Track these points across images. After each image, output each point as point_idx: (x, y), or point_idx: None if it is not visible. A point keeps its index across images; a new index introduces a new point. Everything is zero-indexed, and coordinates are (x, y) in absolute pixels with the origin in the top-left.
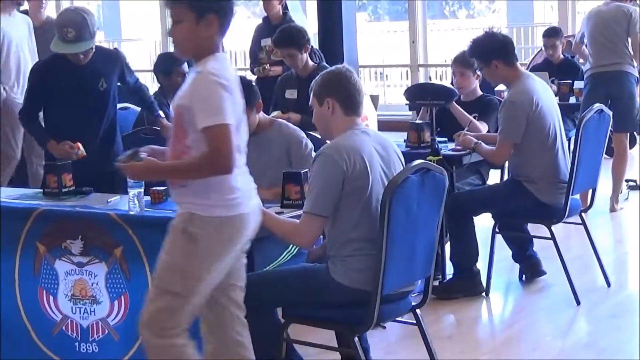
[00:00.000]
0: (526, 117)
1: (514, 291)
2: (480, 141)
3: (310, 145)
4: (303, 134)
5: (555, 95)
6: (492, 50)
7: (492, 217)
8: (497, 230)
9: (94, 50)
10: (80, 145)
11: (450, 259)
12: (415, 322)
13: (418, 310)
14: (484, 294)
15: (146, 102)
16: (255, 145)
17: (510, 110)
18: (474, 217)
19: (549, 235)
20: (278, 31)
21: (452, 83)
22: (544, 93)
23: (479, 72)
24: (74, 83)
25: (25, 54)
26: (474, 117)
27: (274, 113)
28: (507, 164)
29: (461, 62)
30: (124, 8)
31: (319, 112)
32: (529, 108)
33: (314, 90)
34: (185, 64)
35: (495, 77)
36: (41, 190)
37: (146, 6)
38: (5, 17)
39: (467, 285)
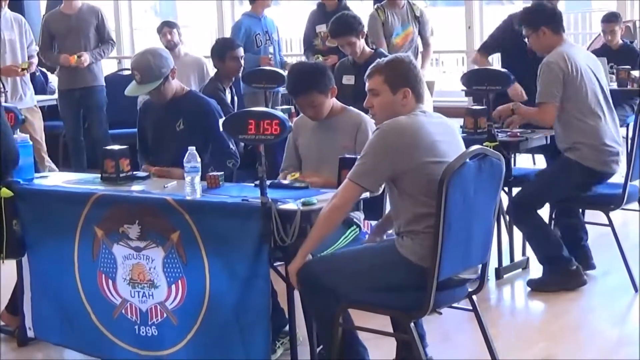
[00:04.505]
0: (563, 78)
1: None
2: (518, 103)
3: None
4: (372, 126)
5: (614, 81)
6: (542, 17)
7: (549, 204)
8: (553, 217)
9: (165, 89)
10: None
11: (538, 260)
12: (471, 308)
13: (474, 297)
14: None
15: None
16: (324, 129)
17: (548, 72)
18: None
19: (607, 222)
20: (333, 21)
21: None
22: (585, 59)
23: None
24: (156, 120)
25: (17, 53)
26: None
27: None
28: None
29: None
30: None
31: (389, 99)
32: (566, 69)
33: (386, 77)
34: (241, 49)
35: (541, 45)
36: (99, 175)
37: None
38: None
39: (563, 278)
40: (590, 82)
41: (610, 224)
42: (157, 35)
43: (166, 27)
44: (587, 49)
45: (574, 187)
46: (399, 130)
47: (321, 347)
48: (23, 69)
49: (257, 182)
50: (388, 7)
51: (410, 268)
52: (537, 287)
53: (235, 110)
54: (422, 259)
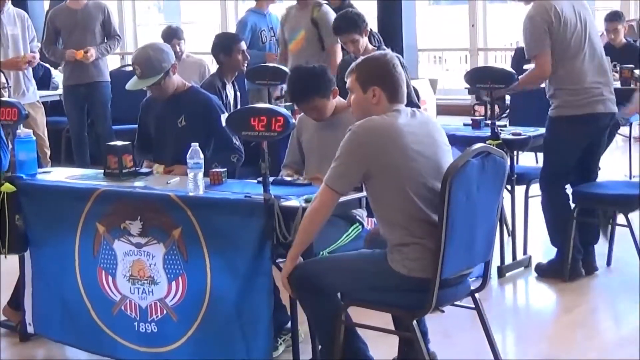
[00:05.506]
0: (548, 27)
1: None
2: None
3: None
4: None
5: (617, 80)
6: None
7: (573, 200)
8: (574, 215)
9: (165, 84)
10: (155, 165)
11: (552, 243)
12: (474, 306)
13: (477, 295)
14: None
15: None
16: (328, 126)
17: (531, 24)
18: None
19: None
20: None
21: None
22: (567, 5)
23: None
24: (157, 115)
25: (20, 48)
26: None
27: None
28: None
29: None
30: None
31: (361, 98)
32: (549, 20)
33: (357, 76)
34: (243, 42)
35: None
36: (102, 171)
37: None
38: None
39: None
40: (573, 27)
41: (629, 225)
42: (159, 31)
43: (175, 39)
44: None
45: (572, 142)
46: (369, 130)
47: (321, 347)
48: (24, 62)
49: (260, 179)
50: (297, 9)
51: (403, 279)
52: (543, 274)
53: (239, 107)
54: (412, 271)
